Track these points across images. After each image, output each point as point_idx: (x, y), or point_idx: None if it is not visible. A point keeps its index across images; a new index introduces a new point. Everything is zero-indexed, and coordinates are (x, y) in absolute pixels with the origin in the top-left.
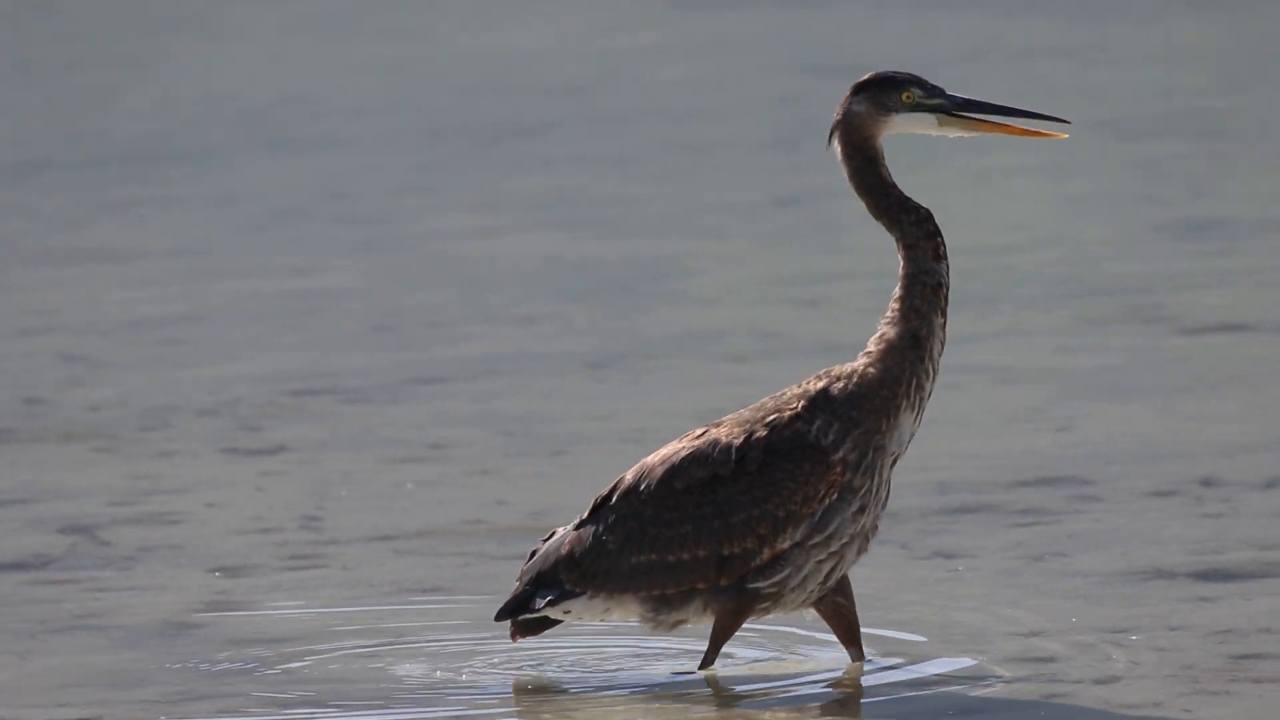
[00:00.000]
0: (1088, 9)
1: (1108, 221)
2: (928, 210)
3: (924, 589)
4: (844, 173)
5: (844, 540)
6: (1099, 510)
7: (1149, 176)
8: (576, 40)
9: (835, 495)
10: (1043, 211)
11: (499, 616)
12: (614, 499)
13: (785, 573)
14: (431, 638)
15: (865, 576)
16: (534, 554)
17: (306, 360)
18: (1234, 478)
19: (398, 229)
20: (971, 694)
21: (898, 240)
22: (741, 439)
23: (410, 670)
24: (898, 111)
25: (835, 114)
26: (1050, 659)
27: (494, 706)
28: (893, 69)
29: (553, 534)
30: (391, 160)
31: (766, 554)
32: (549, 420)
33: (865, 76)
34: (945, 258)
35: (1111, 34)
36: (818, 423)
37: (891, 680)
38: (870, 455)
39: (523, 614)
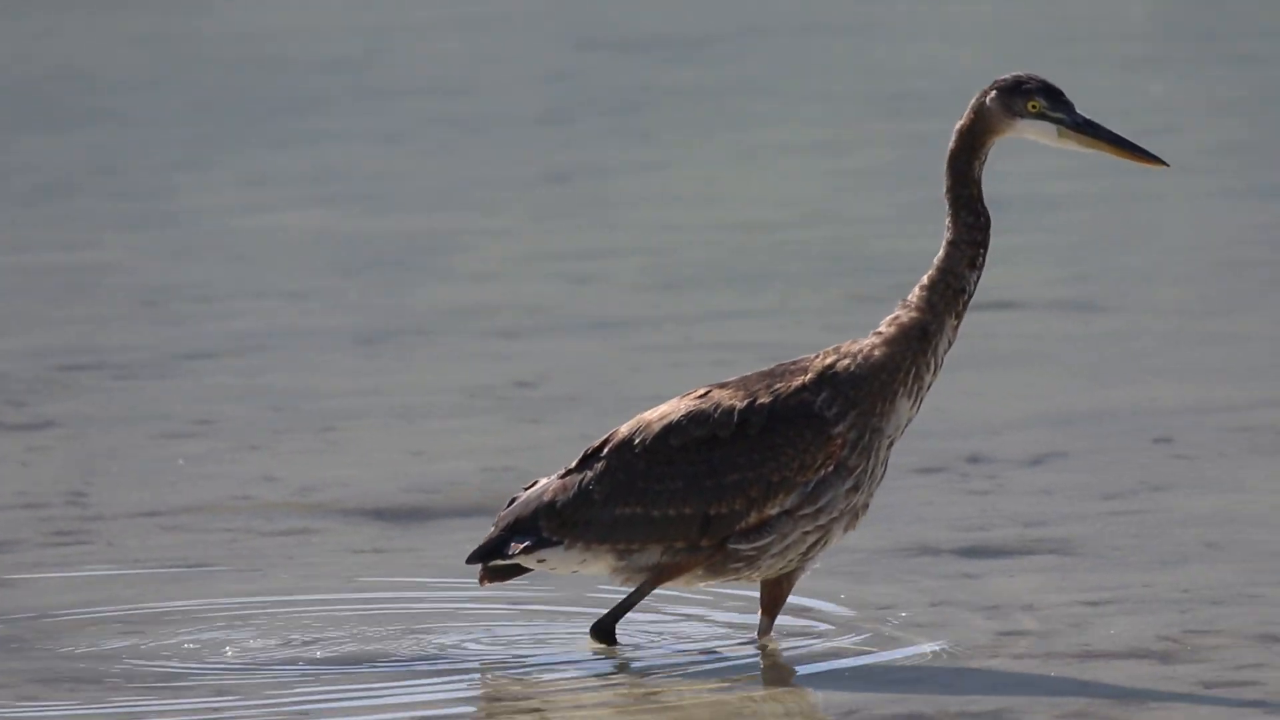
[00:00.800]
0: None
1: (878, 199)
2: (988, 219)
3: None
4: (948, 160)
5: (833, 515)
6: None
7: (920, 154)
8: (347, 16)
9: (831, 468)
10: (814, 188)
11: (470, 560)
12: (605, 450)
13: (769, 539)
14: (196, 614)
15: None
16: (513, 501)
17: (75, 335)
18: (1000, 455)
19: (167, 204)
20: (735, 666)
21: (947, 230)
22: (745, 403)
23: (173, 646)
24: (1023, 117)
25: (973, 100)
26: (819, 635)
27: (253, 681)
28: (1030, 74)
29: (535, 483)
30: (162, 135)
31: (754, 518)
32: (318, 396)
33: (1004, 77)
34: (980, 269)
35: (890, 11)
36: (823, 395)
37: (670, 651)
38: (867, 436)
39: (495, 559)
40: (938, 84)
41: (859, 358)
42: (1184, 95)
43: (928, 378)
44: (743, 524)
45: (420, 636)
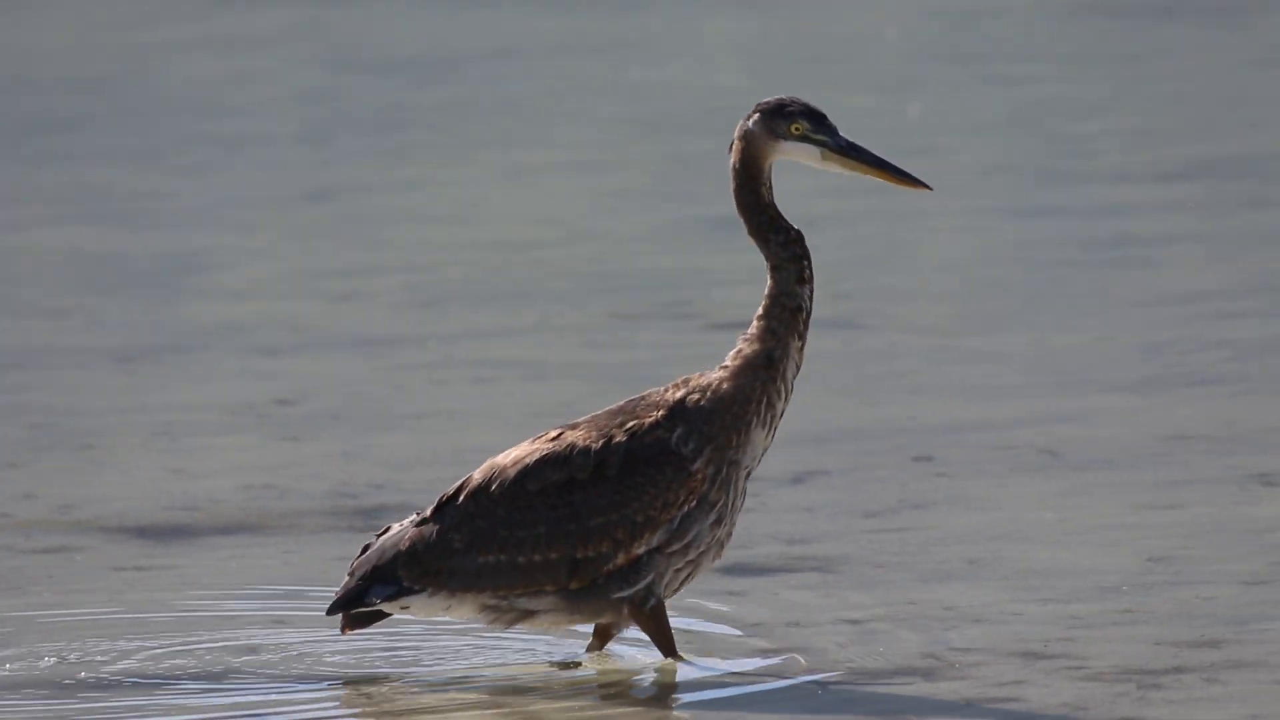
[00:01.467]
0: (623, 6)
1: (639, 217)
2: (798, 232)
3: None
4: (735, 201)
5: (700, 549)
6: None
7: (681, 173)
8: (104, 34)
9: (694, 503)
10: (575, 207)
11: (331, 611)
12: (461, 498)
13: (649, 578)
14: None
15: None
16: (366, 549)
17: None
18: (761, 473)
19: None
20: (520, 696)
21: (766, 259)
22: (600, 443)
23: None
24: (785, 139)
25: (736, 129)
26: (589, 658)
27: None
28: (793, 97)
29: (387, 529)
30: None
31: (621, 559)
32: (77, 413)
33: (766, 100)
34: (810, 281)
35: (644, 32)
36: (678, 431)
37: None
38: (725, 469)
39: (356, 608)
40: (694, 104)
41: (708, 393)
42: (942, 116)
43: (780, 405)
44: (610, 566)
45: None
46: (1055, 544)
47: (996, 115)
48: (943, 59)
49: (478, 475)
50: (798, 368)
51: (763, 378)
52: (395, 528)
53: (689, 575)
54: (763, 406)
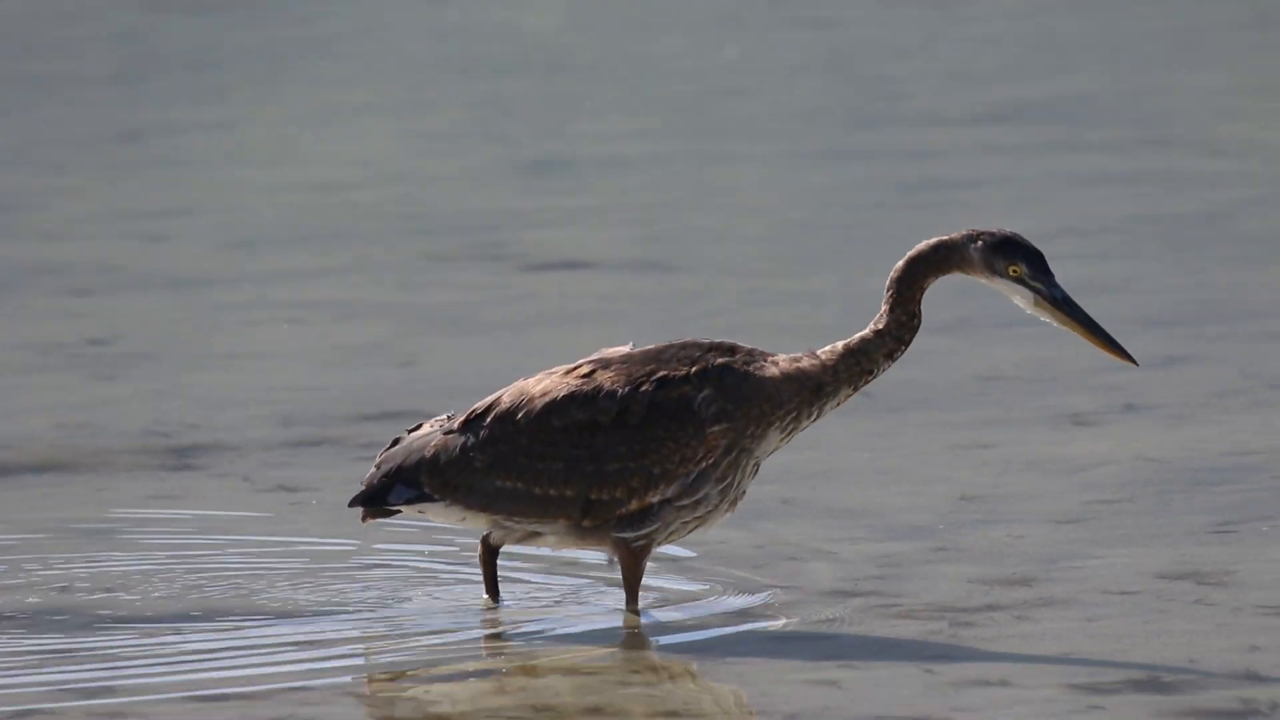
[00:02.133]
0: None
1: (454, 159)
2: (920, 323)
3: (268, 524)
4: (908, 258)
5: (709, 508)
6: None
7: (495, 115)
8: None
9: (711, 461)
10: (388, 148)
11: (353, 503)
12: (488, 418)
13: (654, 527)
14: None
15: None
16: (396, 442)
17: None
18: None
19: None
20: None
21: (882, 318)
22: (626, 389)
23: None
24: (1001, 276)
25: (958, 235)
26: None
27: None
28: (1018, 236)
29: (419, 426)
30: None
31: (634, 505)
32: None
33: (993, 231)
34: (894, 361)
35: None
36: (705, 393)
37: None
38: (736, 452)
39: (377, 506)
40: (509, 46)
41: (751, 371)
42: (755, 59)
43: (804, 424)
44: (623, 510)
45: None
46: (869, 483)
47: (808, 58)
48: (756, 2)
49: (507, 399)
50: (833, 408)
51: (804, 397)
52: (426, 427)
53: (697, 527)
54: (789, 418)
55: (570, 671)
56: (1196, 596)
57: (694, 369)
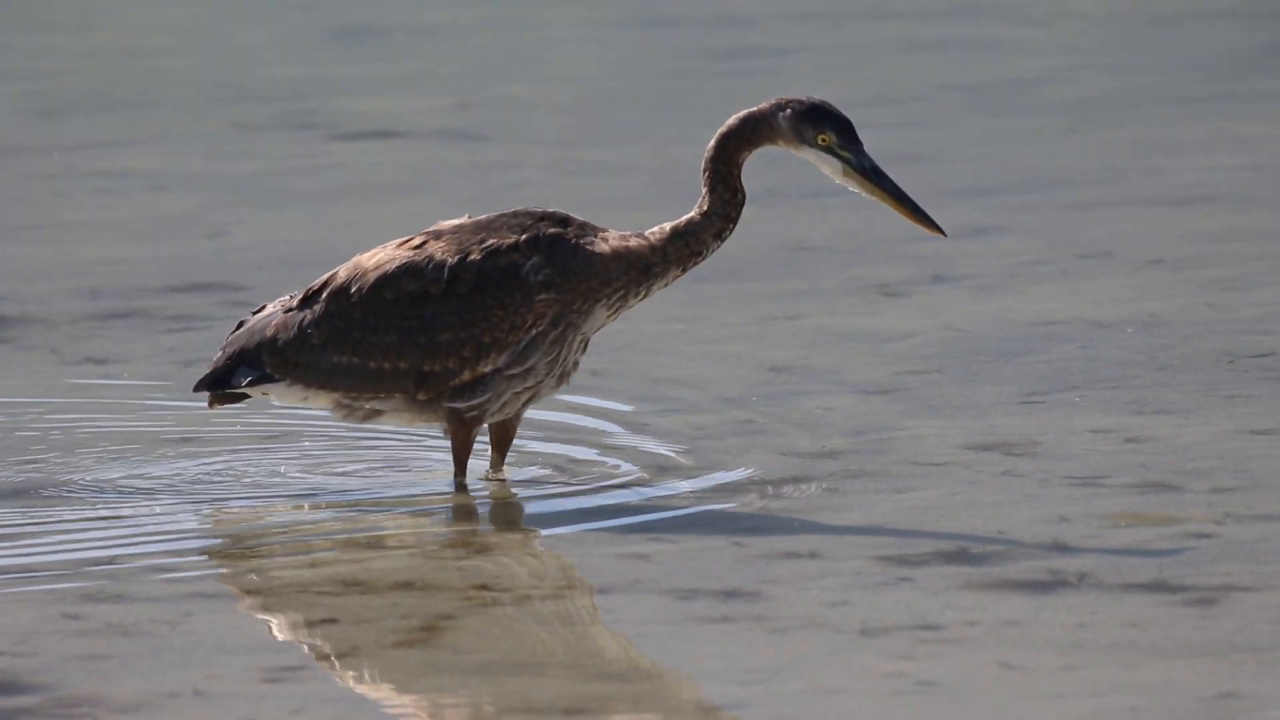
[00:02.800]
0: None
1: (263, 26)
2: (744, 197)
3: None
4: (719, 135)
5: (539, 378)
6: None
7: None
8: None
9: (541, 328)
10: (196, 14)
11: (198, 387)
12: (324, 294)
13: (485, 397)
14: None
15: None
16: (240, 325)
17: None
18: None
19: None
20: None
21: (704, 200)
22: (456, 258)
23: None
24: (810, 146)
25: (765, 105)
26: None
27: None
28: (826, 103)
29: (262, 308)
30: None
31: (467, 375)
32: None
33: (801, 100)
34: (723, 241)
35: None
36: (533, 260)
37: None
38: (562, 327)
39: (222, 389)
40: None
41: (582, 246)
42: None
43: (632, 303)
44: (456, 381)
45: None
46: (679, 355)
47: None
48: None
49: (342, 273)
50: (664, 287)
51: (632, 276)
52: (269, 307)
53: (530, 399)
54: (615, 296)
55: (379, 545)
56: (1004, 468)
57: (524, 236)
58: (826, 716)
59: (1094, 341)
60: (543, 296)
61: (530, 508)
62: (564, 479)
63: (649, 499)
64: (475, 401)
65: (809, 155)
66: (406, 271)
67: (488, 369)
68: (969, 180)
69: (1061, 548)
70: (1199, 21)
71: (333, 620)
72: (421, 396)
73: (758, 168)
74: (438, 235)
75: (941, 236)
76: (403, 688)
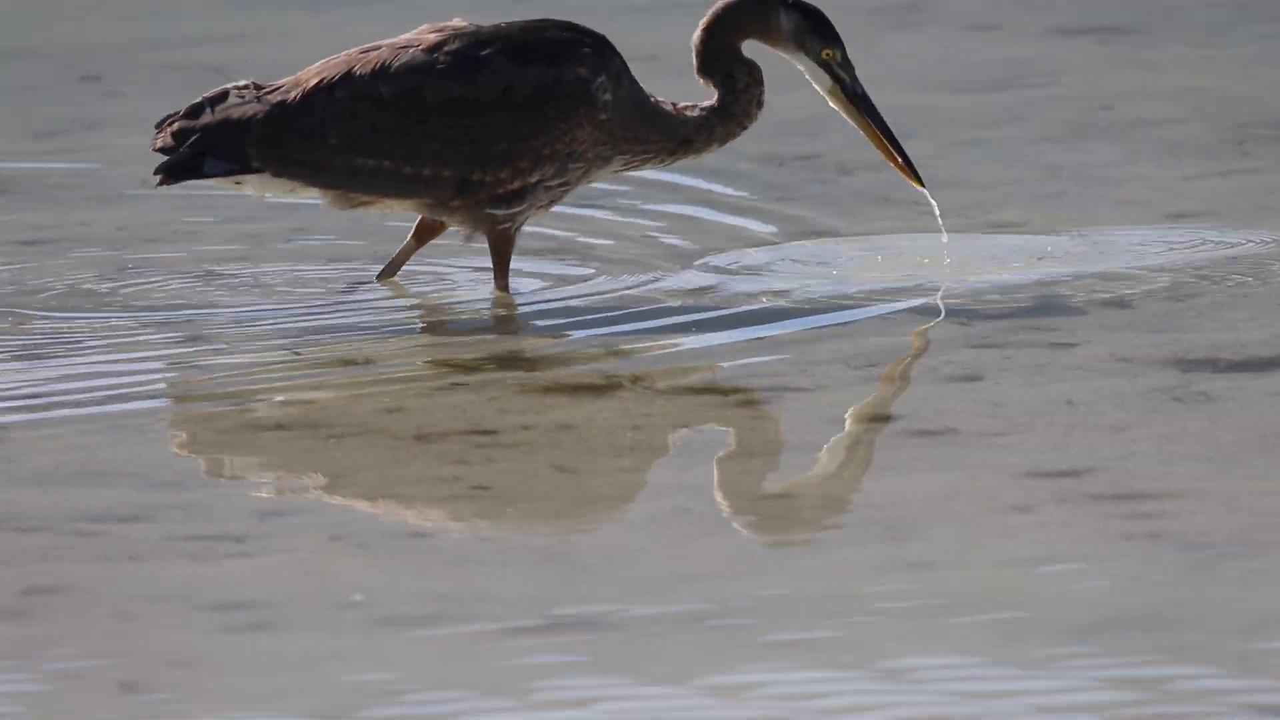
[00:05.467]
0: None
1: None
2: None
3: None
4: (705, 21)
5: (566, 190)
6: None
7: None
8: None
9: (588, 144)
10: None
11: (159, 172)
12: (342, 92)
13: (524, 205)
14: None
15: None
16: (196, 109)
17: None
18: None
19: None
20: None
21: (721, 89)
22: (510, 65)
23: None
24: (810, 55)
25: (790, 13)
26: None
27: None
28: (825, 14)
29: (223, 93)
30: None
31: (516, 185)
32: None
33: (809, 5)
34: (759, 110)
35: None
36: (601, 79)
37: None
38: (591, 155)
39: (188, 178)
40: None
41: (644, 96)
42: None
43: (647, 164)
44: (502, 190)
45: None
46: None
47: None
48: None
49: (360, 69)
50: (692, 156)
51: (669, 146)
52: (233, 95)
53: (547, 207)
54: (638, 155)
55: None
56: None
57: (587, 49)
58: (378, 516)
59: None
60: (604, 117)
61: (66, 311)
62: (116, 285)
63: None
64: (515, 209)
65: (802, 64)
66: (452, 75)
67: (535, 179)
68: None
69: (616, 354)
70: None
71: None
72: (454, 204)
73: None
74: (477, 33)
75: (921, 189)
76: None
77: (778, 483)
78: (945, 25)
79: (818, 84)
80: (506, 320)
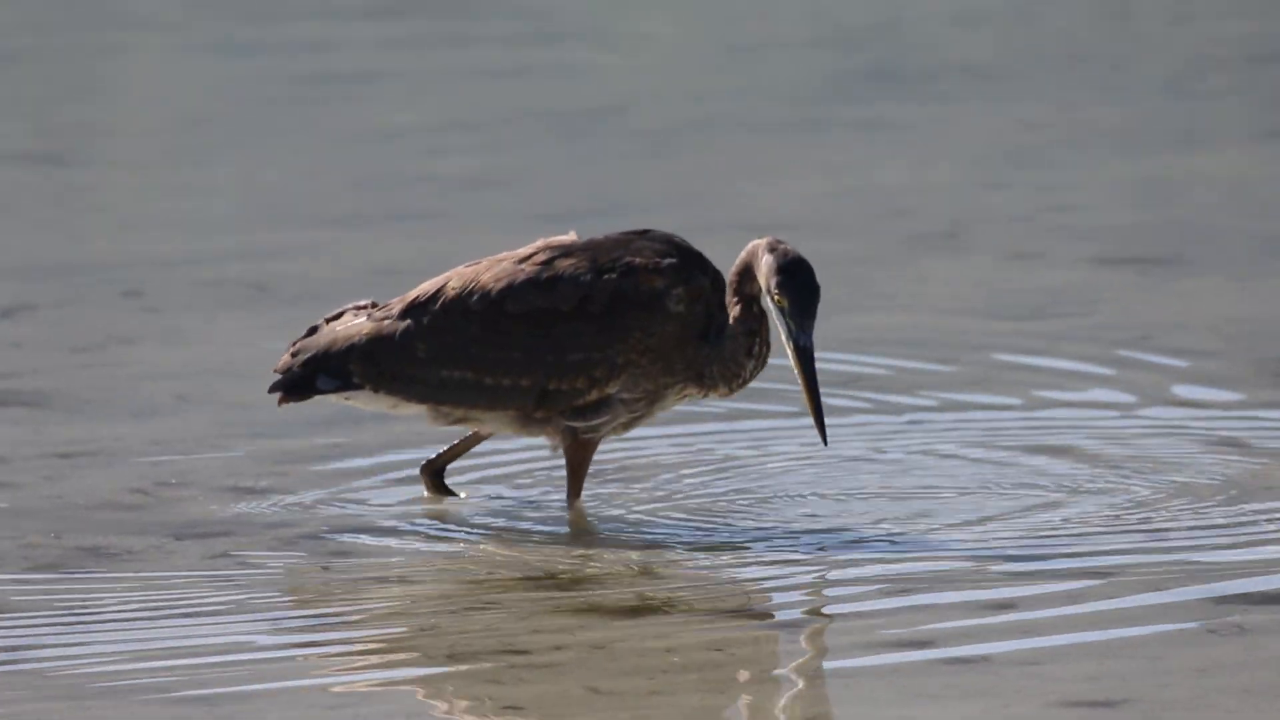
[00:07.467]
0: None
1: None
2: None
3: None
4: (739, 263)
5: (643, 411)
6: None
7: None
8: None
9: (670, 349)
10: None
11: (273, 390)
12: (434, 306)
13: (605, 418)
14: None
15: None
16: (314, 330)
17: None
18: None
19: None
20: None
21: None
22: (589, 277)
23: None
24: (768, 295)
25: (765, 239)
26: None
27: None
28: (801, 263)
29: (340, 314)
30: None
31: (594, 395)
32: None
33: (789, 250)
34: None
35: None
36: (676, 291)
37: None
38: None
39: (301, 396)
40: None
41: (722, 323)
42: None
43: (699, 397)
44: (581, 401)
45: None
46: (266, 378)
47: None
48: None
49: (454, 285)
50: (713, 392)
51: (689, 375)
52: (349, 315)
53: (628, 426)
54: (692, 384)
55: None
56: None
57: (669, 263)
58: None
59: None
60: (671, 328)
61: (102, 519)
62: (145, 502)
63: (224, 515)
64: (595, 421)
65: (766, 302)
66: (534, 286)
67: (612, 391)
68: (551, 205)
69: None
70: (778, 50)
71: None
72: (539, 414)
73: (341, 188)
74: (567, 251)
75: (823, 444)
76: None
77: (809, 709)
78: (985, 252)
79: (779, 328)
80: (562, 535)
